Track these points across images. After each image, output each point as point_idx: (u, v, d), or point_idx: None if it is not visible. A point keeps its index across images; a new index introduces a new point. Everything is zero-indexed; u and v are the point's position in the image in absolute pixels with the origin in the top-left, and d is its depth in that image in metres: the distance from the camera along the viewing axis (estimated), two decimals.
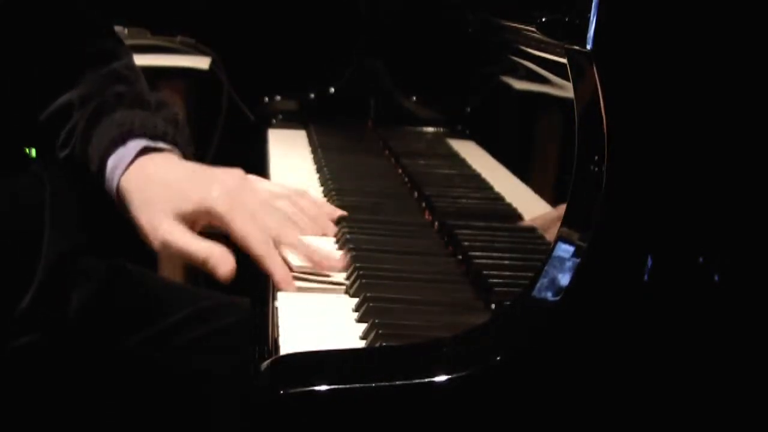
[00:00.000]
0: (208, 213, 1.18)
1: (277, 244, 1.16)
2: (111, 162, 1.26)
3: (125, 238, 1.35)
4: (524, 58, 1.25)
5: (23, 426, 1.33)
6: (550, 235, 1.15)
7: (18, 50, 1.34)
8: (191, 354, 1.41)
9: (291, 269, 1.15)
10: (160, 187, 1.22)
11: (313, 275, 1.15)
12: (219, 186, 1.20)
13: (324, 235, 1.27)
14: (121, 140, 1.26)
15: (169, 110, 1.34)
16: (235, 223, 1.16)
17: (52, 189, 1.34)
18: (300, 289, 1.12)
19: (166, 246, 1.19)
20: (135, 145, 1.26)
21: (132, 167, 1.25)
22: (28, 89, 1.35)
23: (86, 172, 1.30)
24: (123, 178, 1.24)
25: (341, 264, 1.16)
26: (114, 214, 1.29)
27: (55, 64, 1.35)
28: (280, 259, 1.14)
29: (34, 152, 1.44)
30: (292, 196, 1.27)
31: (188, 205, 1.19)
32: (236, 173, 1.23)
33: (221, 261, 1.15)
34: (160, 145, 1.27)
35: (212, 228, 1.21)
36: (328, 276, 1.15)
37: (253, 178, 1.26)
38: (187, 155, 1.30)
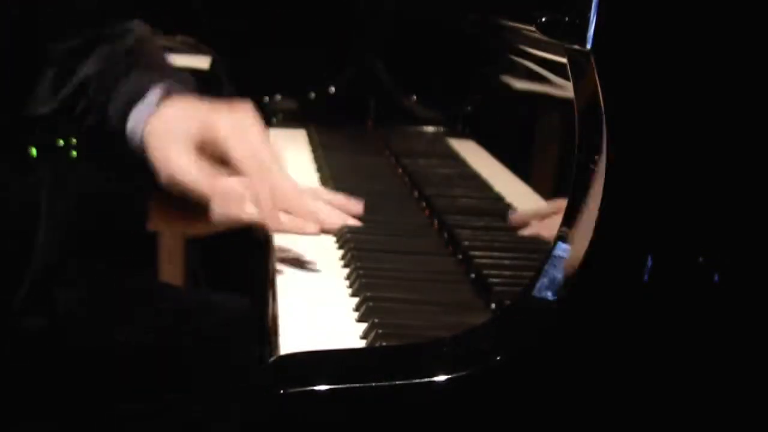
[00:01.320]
0: (211, 131, 1.19)
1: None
2: (132, 120, 1.27)
3: (123, 238, 1.35)
4: (524, 58, 1.25)
5: (23, 425, 1.33)
6: (537, 230, 1.16)
7: (31, 30, 1.35)
8: (191, 353, 1.41)
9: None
10: (174, 121, 1.23)
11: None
12: (224, 117, 1.21)
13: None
14: (139, 97, 1.27)
15: (182, 74, 1.35)
16: (234, 153, 1.17)
17: (49, 188, 1.34)
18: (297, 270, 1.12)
19: (172, 177, 1.19)
20: (154, 94, 1.26)
21: (154, 115, 1.26)
22: (29, 86, 1.35)
23: (106, 139, 1.31)
24: (145, 130, 1.25)
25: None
26: (111, 214, 1.29)
27: (72, 41, 1.36)
28: (268, 192, 1.14)
29: (34, 151, 1.44)
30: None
31: (194, 129, 1.20)
32: (246, 106, 1.24)
33: (221, 200, 1.16)
34: (176, 91, 1.28)
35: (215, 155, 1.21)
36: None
37: (258, 122, 1.27)
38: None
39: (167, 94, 1.27)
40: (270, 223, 1.13)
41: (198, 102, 1.27)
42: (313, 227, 1.17)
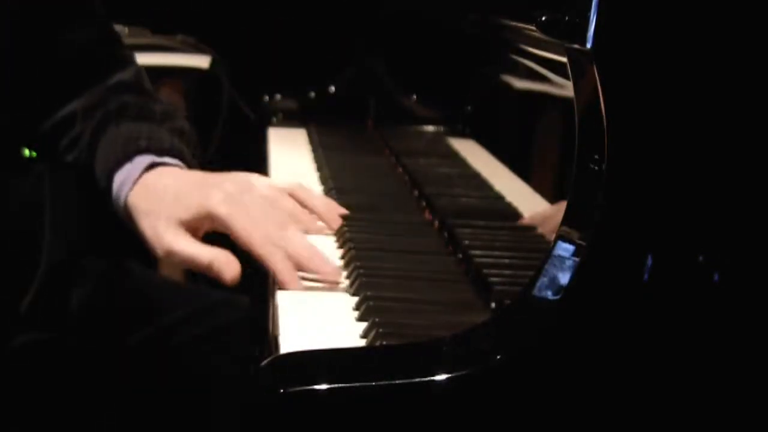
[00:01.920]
0: (210, 218, 1.19)
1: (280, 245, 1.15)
2: (118, 179, 1.26)
3: (125, 238, 1.35)
4: (524, 57, 1.25)
5: (24, 424, 1.33)
6: (546, 230, 1.15)
7: (25, 56, 1.34)
8: (191, 352, 1.41)
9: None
10: (164, 198, 1.22)
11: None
12: (219, 190, 1.20)
13: (329, 230, 1.26)
14: (127, 157, 1.27)
15: (175, 121, 1.35)
16: (237, 226, 1.16)
17: (52, 190, 1.34)
18: (306, 288, 1.12)
19: (171, 254, 1.19)
20: (141, 161, 1.26)
21: (138, 184, 1.25)
22: (31, 92, 1.35)
23: (90, 177, 1.30)
24: (130, 195, 1.25)
25: (338, 276, 1.14)
26: (114, 213, 1.29)
27: (61, 73, 1.35)
28: (285, 257, 1.13)
29: (34, 152, 1.44)
30: (296, 190, 1.27)
31: (190, 212, 1.19)
32: (238, 177, 1.23)
33: (225, 265, 1.15)
34: (166, 159, 1.27)
35: (217, 230, 1.21)
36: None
37: (256, 178, 1.26)
38: (192, 167, 1.30)
39: (154, 164, 1.26)
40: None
41: (187, 175, 1.26)
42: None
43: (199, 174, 1.27)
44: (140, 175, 1.25)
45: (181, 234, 1.19)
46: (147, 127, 1.30)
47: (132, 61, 1.42)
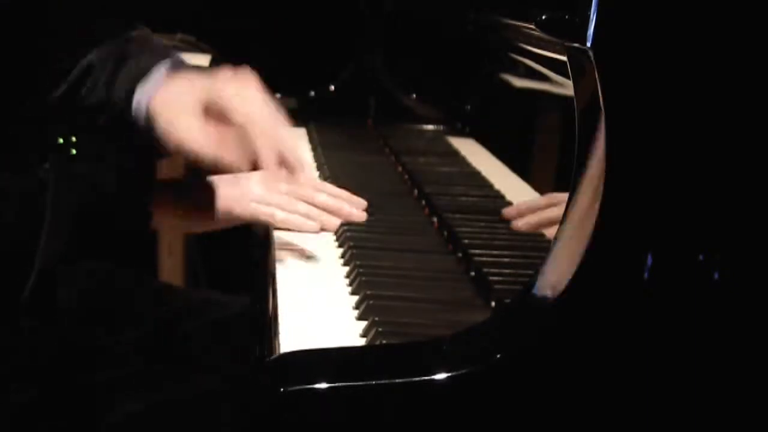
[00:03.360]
0: (215, 95, 1.20)
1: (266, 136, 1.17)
2: (137, 97, 1.27)
3: (125, 238, 1.35)
4: (524, 56, 1.25)
5: (20, 422, 1.33)
6: (530, 222, 1.16)
7: (35, 28, 1.34)
8: (191, 351, 1.41)
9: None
10: (179, 91, 1.24)
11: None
12: (229, 76, 1.22)
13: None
14: (143, 75, 1.28)
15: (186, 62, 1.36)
16: (238, 109, 1.18)
17: (52, 189, 1.34)
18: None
19: (179, 144, 1.20)
20: (157, 75, 1.27)
21: (158, 91, 1.26)
22: (34, 82, 1.35)
23: (107, 117, 1.31)
24: (151, 104, 1.25)
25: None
26: (114, 214, 1.29)
27: (74, 35, 1.36)
28: (274, 153, 1.15)
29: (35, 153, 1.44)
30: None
31: (199, 95, 1.21)
32: (247, 73, 1.25)
33: (229, 157, 1.16)
34: (181, 67, 1.29)
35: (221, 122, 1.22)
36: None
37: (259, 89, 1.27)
38: None
39: (172, 71, 1.28)
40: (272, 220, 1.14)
41: (202, 73, 1.28)
42: (313, 226, 1.18)
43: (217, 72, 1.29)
44: (162, 82, 1.26)
45: (192, 121, 1.20)
46: (162, 55, 1.32)
47: (142, 27, 1.44)
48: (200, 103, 1.21)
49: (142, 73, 1.29)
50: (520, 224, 1.19)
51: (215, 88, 1.22)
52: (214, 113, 1.22)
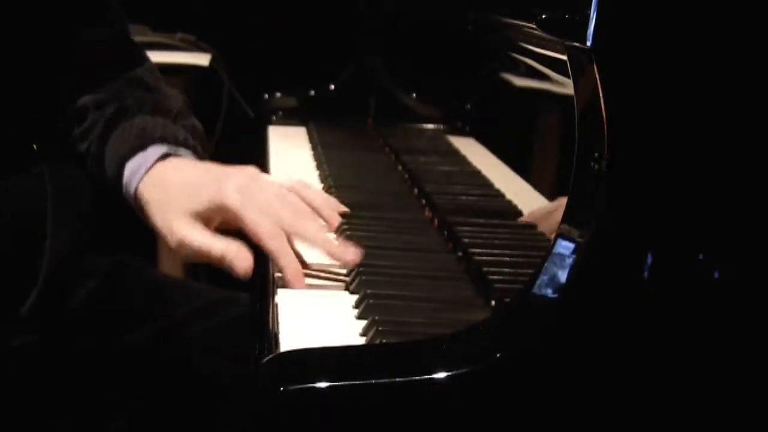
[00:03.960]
0: (221, 209, 1.18)
1: (293, 236, 1.15)
2: (129, 167, 1.26)
3: (126, 235, 1.35)
4: (524, 55, 1.25)
5: (25, 423, 1.33)
6: (545, 227, 1.15)
7: (42, 54, 1.34)
8: (192, 349, 1.42)
9: (304, 265, 1.15)
10: (176, 189, 1.22)
11: (324, 272, 1.15)
12: (231, 182, 1.20)
13: (329, 226, 1.26)
14: (141, 147, 1.26)
15: (188, 118, 1.35)
16: (247, 218, 1.16)
17: (54, 188, 1.34)
18: (309, 286, 1.12)
19: (183, 245, 1.19)
20: (155, 151, 1.26)
21: (150, 172, 1.25)
22: (37, 90, 1.35)
23: (98, 174, 1.30)
24: (141, 183, 1.25)
25: (357, 258, 1.15)
26: (115, 210, 1.29)
27: (76, 69, 1.35)
28: (292, 254, 1.13)
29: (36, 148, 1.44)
30: (297, 187, 1.27)
31: (202, 203, 1.19)
32: (248, 170, 1.23)
33: (238, 257, 1.14)
34: (181, 151, 1.27)
35: (228, 225, 1.20)
36: (340, 273, 1.15)
37: (264, 175, 1.26)
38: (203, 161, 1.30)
39: (167, 154, 1.26)
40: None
41: (199, 167, 1.26)
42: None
43: (211, 166, 1.27)
44: (153, 164, 1.25)
45: (193, 225, 1.19)
46: (162, 121, 1.30)
47: (146, 59, 1.43)
48: (200, 211, 1.19)
49: (134, 147, 1.27)
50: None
51: (219, 199, 1.18)
52: (218, 217, 1.20)
